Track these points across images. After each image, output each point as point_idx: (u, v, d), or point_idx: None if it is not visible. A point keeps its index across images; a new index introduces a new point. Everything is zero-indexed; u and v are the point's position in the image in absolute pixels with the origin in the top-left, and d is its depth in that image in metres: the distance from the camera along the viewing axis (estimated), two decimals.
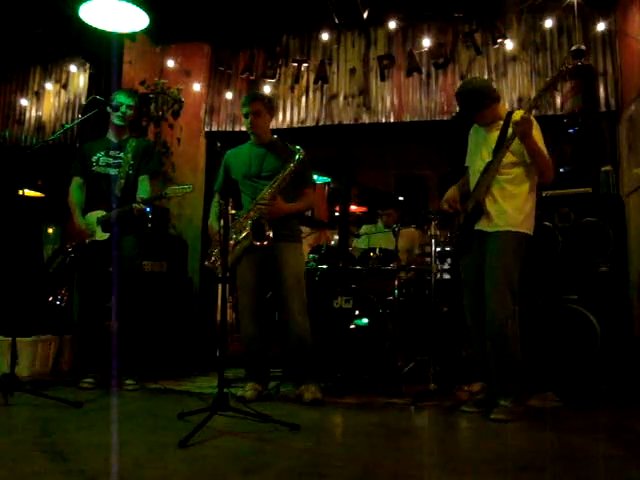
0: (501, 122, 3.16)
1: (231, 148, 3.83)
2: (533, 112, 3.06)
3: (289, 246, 3.53)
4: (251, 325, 3.55)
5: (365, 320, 3.97)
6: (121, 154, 3.88)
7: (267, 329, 3.65)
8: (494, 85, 4.89)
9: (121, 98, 3.91)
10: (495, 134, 3.14)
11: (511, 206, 3.05)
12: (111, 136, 3.97)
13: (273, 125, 5.42)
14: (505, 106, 3.36)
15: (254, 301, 3.56)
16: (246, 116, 3.63)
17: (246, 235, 3.42)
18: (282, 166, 3.54)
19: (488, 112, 3.17)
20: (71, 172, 3.97)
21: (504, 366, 2.99)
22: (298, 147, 3.59)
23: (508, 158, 3.06)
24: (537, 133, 3.04)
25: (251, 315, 3.56)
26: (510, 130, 3.05)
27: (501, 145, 3.08)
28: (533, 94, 4.89)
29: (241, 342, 3.69)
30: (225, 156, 3.80)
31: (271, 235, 3.34)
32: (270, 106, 3.70)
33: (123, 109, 3.87)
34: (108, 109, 3.85)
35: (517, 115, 3.05)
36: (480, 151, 3.21)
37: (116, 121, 3.90)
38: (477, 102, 3.14)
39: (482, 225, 3.11)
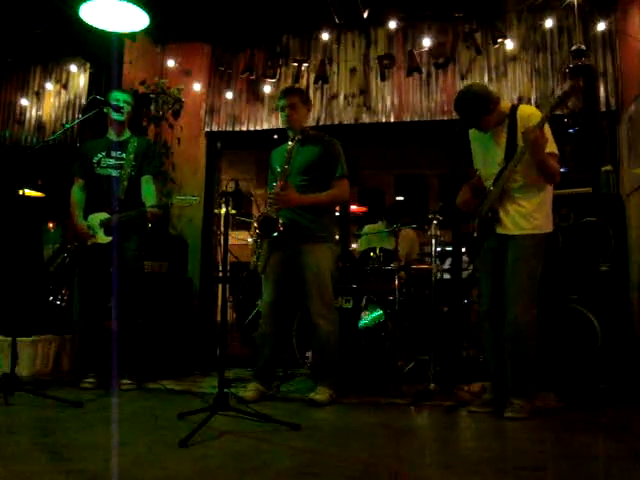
0: (506, 120, 3.09)
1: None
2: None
3: (312, 247, 3.45)
4: (267, 323, 3.52)
5: (366, 320, 3.98)
6: (123, 154, 3.87)
7: (284, 330, 3.63)
8: (494, 85, 4.94)
9: (117, 95, 3.92)
10: (503, 135, 3.08)
11: (531, 208, 3.03)
12: (111, 135, 3.95)
13: (274, 125, 5.48)
14: (506, 103, 3.29)
15: (275, 301, 3.51)
16: (282, 109, 3.55)
17: (255, 231, 3.40)
18: (315, 158, 3.50)
19: (492, 117, 3.09)
20: (73, 172, 3.97)
21: (520, 367, 3.01)
22: (331, 138, 3.56)
23: (523, 163, 3.01)
24: (547, 134, 2.98)
25: (270, 314, 3.52)
26: (520, 137, 2.98)
27: (512, 148, 3.02)
28: (533, 94, 4.90)
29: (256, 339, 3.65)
30: (270, 156, 3.75)
31: (281, 227, 3.30)
32: (306, 98, 3.64)
33: (120, 104, 3.86)
34: (107, 109, 3.85)
35: (522, 113, 3.03)
36: (492, 154, 3.15)
37: (115, 116, 3.88)
38: (481, 109, 3.06)
39: (504, 229, 3.08)
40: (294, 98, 3.55)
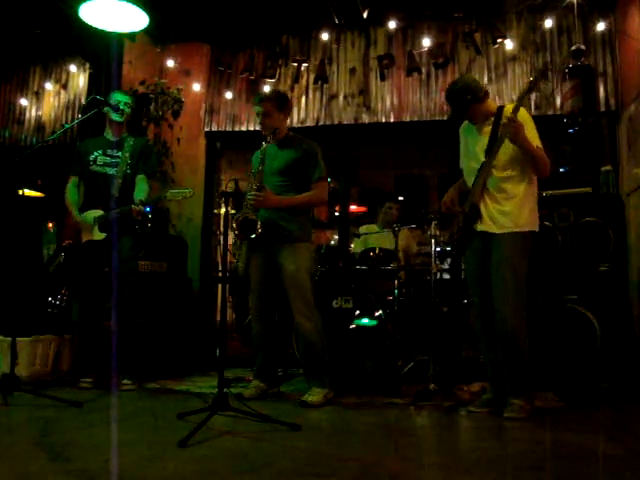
0: (492, 118, 3.13)
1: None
2: (534, 112, 3.05)
3: (291, 247, 3.48)
4: (258, 324, 3.59)
5: (366, 320, 3.97)
6: (119, 153, 3.88)
7: (275, 329, 3.66)
8: (494, 85, 4.95)
9: (118, 96, 3.93)
10: (487, 131, 3.12)
11: (513, 206, 3.04)
12: (109, 135, 3.96)
13: None
14: (494, 103, 3.33)
15: (260, 301, 3.59)
16: (258, 115, 3.62)
17: (235, 232, 3.44)
18: (294, 160, 3.53)
19: (480, 108, 3.14)
20: (69, 171, 3.99)
21: (515, 366, 3.01)
22: (310, 141, 3.60)
23: (503, 157, 3.04)
24: (530, 128, 3.02)
25: (257, 315, 3.60)
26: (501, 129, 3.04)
27: (493, 144, 3.06)
28: (533, 94, 4.89)
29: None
30: (252, 160, 3.78)
31: (259, 229, 3.32)
32: (281, 104, 3.63)
33: (121, 106, 3.88)
34: (106, 109, 3.85)
35: (507, 112, 3.04)
36: (474, 151, 3.19)
37: (115, 117, 3.89)
38: (468, 99, 3.10)
39: (486, 226, 3.09)
40: (267, 105, 3.58)
